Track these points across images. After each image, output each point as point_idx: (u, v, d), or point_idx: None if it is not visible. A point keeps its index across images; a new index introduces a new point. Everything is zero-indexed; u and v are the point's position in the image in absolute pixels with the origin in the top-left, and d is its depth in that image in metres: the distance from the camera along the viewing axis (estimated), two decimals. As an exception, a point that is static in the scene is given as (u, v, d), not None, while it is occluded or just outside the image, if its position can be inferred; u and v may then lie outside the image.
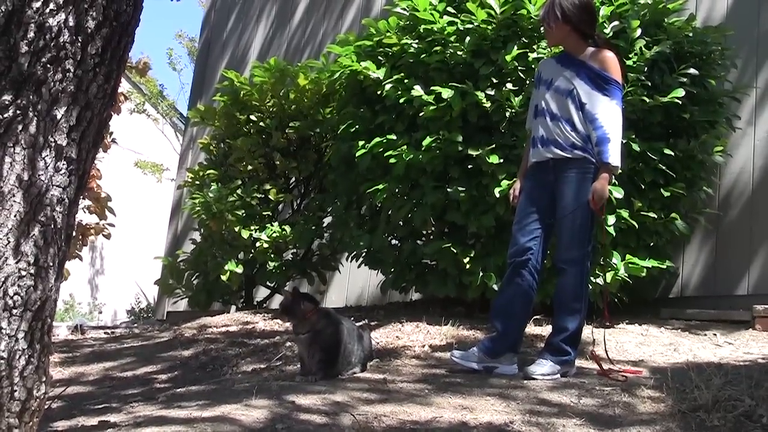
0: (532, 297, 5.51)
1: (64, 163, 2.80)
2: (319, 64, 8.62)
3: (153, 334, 8.13)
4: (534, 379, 5.19)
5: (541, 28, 5.93)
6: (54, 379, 5.83)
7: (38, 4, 2.79)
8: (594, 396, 4.79)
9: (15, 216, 2.67)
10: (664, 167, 6.79)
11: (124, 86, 14.47)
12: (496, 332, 5.51)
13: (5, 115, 2.70)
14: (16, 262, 2.67)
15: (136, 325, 11.00)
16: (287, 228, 8.36)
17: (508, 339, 5.47)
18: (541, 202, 5.47)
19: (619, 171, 5.50)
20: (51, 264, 2.77)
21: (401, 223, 7.35)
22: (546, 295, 6.28)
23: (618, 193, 6.39)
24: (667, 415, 4.38)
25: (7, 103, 2.71)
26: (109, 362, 6.73)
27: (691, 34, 7.09)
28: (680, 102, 6.74)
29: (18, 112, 2.72)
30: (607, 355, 5.54)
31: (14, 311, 2.66)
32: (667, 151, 6.76)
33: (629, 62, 6.64)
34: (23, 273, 2.68)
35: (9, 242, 2.65)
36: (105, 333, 9.02)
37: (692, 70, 6.87)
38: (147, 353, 6.97)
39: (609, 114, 5.34)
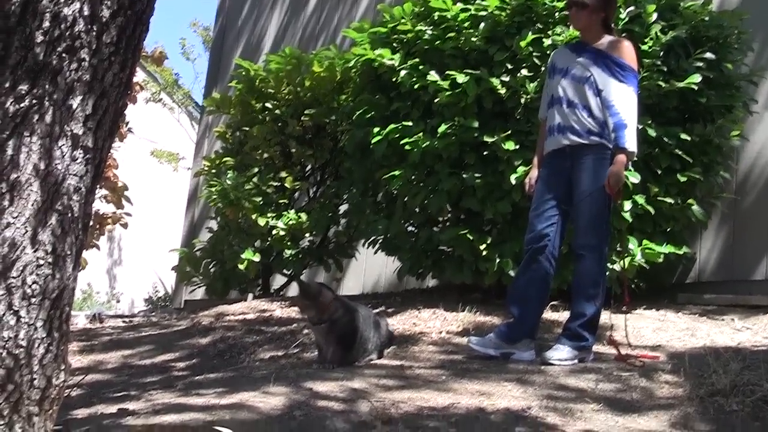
0: (549, 283, 5.51)
1: (81, 152, 2.80)
2: (332, 54, 8.61)
3: (171, 323, 8.15)
4: (551, 364, 5.19)
5: (566, 12, 5.91)
6: (73, 368, 5.85)
7: (53, -6, 2.80)
8: (612, 381, 4.79)
9: (32, 205, 2.68)
10: (680, 152, 6.76)
11: (139, 76, 14.51)
12: (513, 318, 5.51)
13: (21, 105, 2.70)
14: (34, 251, 2.67)
15: (153, 313, 11.04)
16: (303, 215, 8.36)
17: (525, 325, 5.47)
18: (558, 188, 5.46)
19: (635, 157, 5.50)
20: (68, 253, 2.78)
21: (417, 209, 7.34)
22: (563, 281, 6.26)
23: (634, 179, 6.37)
24: (684, 400, 4.38)
25: (23, 92, 2.71)
26: (128, 350, 6.75)
27: (707, 18, 7.04)
28: (696, 86, 6.70)
29: (34, 101, 2.72)
30: (627, 340, 5.53)
31: (33, 300, 2.67)
32: (684, 136, 6.73)
33: (645, 47, 6.61)
34: (41, 262, 2.69)
35: (26, 231, 2.66)
36: (123, 321, 9.05)
37: (708, 55, 6.84)
38: (165, 341, 6.99)
39: (625, 100, 5.33)
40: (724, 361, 4.75)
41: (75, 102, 2.79)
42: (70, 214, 2.77)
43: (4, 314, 2.62)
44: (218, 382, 5.02)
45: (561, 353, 5.28)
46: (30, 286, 2.66)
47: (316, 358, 5.54)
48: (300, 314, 7.11)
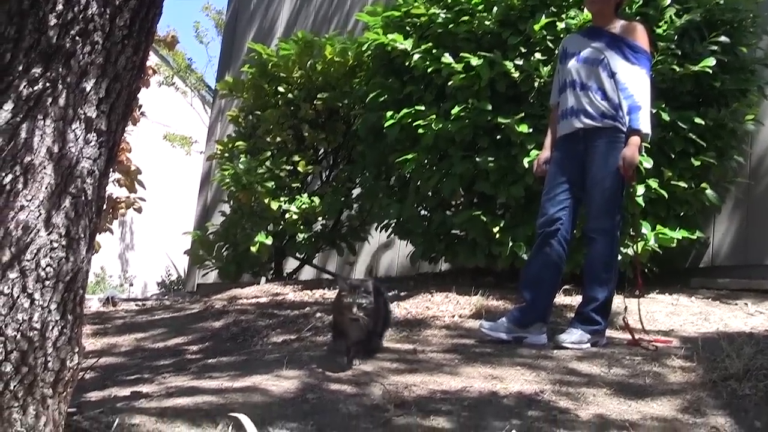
0: (561, 267, 5.51)
1: (94, 135, 2.80)
2: (344, 40, 8.60)
3: (183, 306, 8.17)
4: (564, 347, 5.19)
5: None
6: (86, 351, 5.88)
7: (66, -24, 2.79)
8: (624, 366, 4.78)
9: (46, 188, 2.68)
10: (694, 136, 6.74)
11: (152, 60, 14.49)
12: (525, 302, 5.50)
13: (35, 88, 2.71)
14: (48, 234, 2.68)
15: (166, 297, 11.06)
16: (316, 199, 8.37)
17: (537, 309, 5.47)
18: (570, 172, 5.45)
19: (649, 139, 5.48)
20: (82, 235, 2.79)
21: (430, 193, 7.34)
22: (575, 265, 6.25)
23: (647, 163, 6.36)
24: (697, 385, 4.37)
25: (36, 75, 2.71)
26: (141, 333, 6.77)
27: (721, 2, 7.00)
28: (711, 70, 6.67)
29: (47, 84, 2.72)
30: (642, 324, 5.52)
31: (46, 283, 2.68)
32: (698, 120, 6.71)
33: (659, 30, 6.59)
34: (55, 245, 2.69)
35: (40, 214, 2.67)
36: (136, 305, 9.06)
37: (723, 38, 6.81)
38: (178, 325, 7.00)
39: (638, 83, 5.32)
40: (737, 346, 4.75)
41: (88, 85, 2.79)
42: (83, 197, 2.77)
43: (18, 297, 2.62)
44: (231, 366, 5.03)
45: (573, 337, 5.28)
46: (44, 269, 2.67)
47: (330, 344, 5.24)
48: (311, 295, 7.13)
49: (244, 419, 2.98)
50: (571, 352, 5.12)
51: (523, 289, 5.54)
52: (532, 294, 5.48)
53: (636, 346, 5.21)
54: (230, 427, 3.57)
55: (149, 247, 18.91)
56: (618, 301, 5.78)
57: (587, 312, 5.36)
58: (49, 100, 2.71)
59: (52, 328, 2.71)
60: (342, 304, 4.77)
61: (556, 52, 6.45)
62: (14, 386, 2.64)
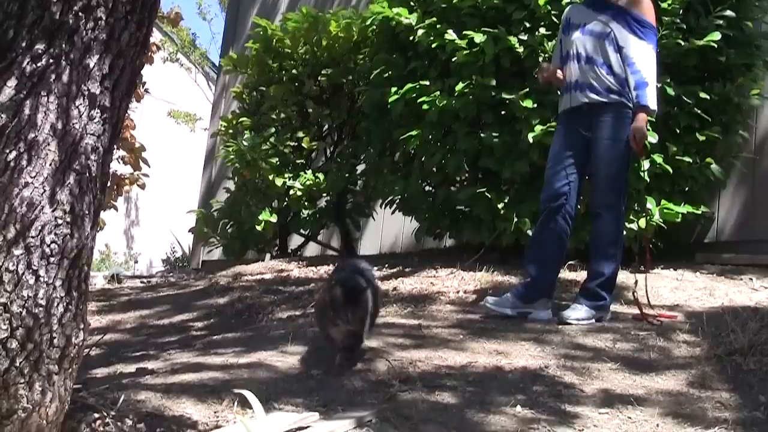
0: (566, 242, 5.51)
1: (98, 111, 2.80)
2: (348, 15, 8.57)
3: (188, 283, 8.19)
4: (569, 323, 5.19)
5: None
6: (92, 328, 5.88)
7: (69, -48, 2.78)
8: (629, 340, 4.79)
9: (50, 165, 2.68)
10: (699, 111, 6.72)
11: (156, 36, 14.48)
12: (530, 278, 5.50)
13: (38, 65, 2.70)
14: (52, 211, 2.68)
15: (171, 274, 11.09)
16: (321, 176, 8.36)
17: (542, 284, 5.47)
18: (575, 146, 5.43)
19: (655, 114, 5.47)
20: (87, 212, 2.78)
21: (435, 169, 7.33)
22: (580, 240, 6.25)
23: (653, 138, 6.34)
24: (702, 359, 4.38)
25: (39, 52, 2.71)
26: (146, 310, 6.79)
27: (727, -25, 6.98)
28: (716, 45, 6.65)
29: (51, 61, 2.71)
30: (648, 299, 5.52)
31: (51, 259, 2.68)
32: (703, 95, 6.69)
33: (664, 5, 6.56)
34: (59, 221, 2.69)
35: (45, 191, 2.66)
36: (141, 282, 9.10)
37: (728, 12, 6.78)
38: (183, 301, 7.02)
39: (645, 58, 5.31)
40: (742, 321, 4.75)
41: (92, 61, 2.78)
42: (87, 174, 2.77)
43: (23, 273, 2.62)
44: (236, 342, 5.04)
45: (578, 313, 5.27)
46: (49, 246, 2.67)
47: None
48: (316, 272, 7.14)
49: (249, 395, 2.99)
50: (576, 327, 5.13)
51: (528, 264, 5.54)
52: (537, 269, 5.48)
53: (642, 321, 5.21)
54: (235, 403, 3.58)
55: (154, 224, 18.93)
56: (623, 277, 5.78)
57: (593, 287, 5.36)
58: (53, 76, 2.70)
59: (58, 304, 2.71)
60: (331, 314, 4.10)
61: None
62: (20, 363, 2.64)
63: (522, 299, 5.44)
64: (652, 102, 5.27)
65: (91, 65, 2.77)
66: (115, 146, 3.11)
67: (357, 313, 4.07)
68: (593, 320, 5.27)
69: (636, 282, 5.50)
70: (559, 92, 5.76)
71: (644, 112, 5.27)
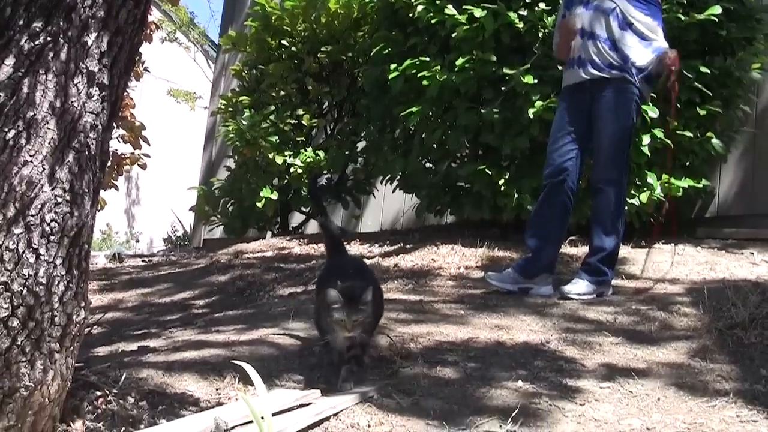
0: (568, 217, 5.50)
1: (96, 89, 2.79)
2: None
3: (189, 261, 8.20)
4: (570, 298, 5.19)
5: None
6: (93, 306, 5.89)
7: (66, -71, 2.77)
8: (630, 314, 4.79)
9: (49, 143, 2.67)
10: (700, 85, 6.71)
11: (154, 15, 14.41)
12: (532, 253, 5.50)
13: (36, 43, 2.69)
14: (52, 189, 2.67)
15: (172, 252, 11.09)
16: (321, 153, 8.36)
17: (543, 260, 5.47)
18: (577, 122, 5.41)
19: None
20: (86, 190, 2.78)
21: (435, 146, 7.33)
22: (582, 216, 6.25)
23: (653, 113, 6.33)
24: (703, 333, 4.38)
25: (37, 30, 2.70)
26: (147, 289, 6.80)
27: (728, -52, 6.95)
28: (716, 19, 6.63)
29: (48, 39, 2.70)
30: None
31: (51, 238, 2.68)
32: (704, 69, 6.67)
33: (664, -22, 6.54)
34: (59, 200, 2.69)
35: (44, 169, 2.66)
36: (142, 261, 9.10)
37: (729, -14, 6.76)
38: (184, 279, 7.03)
39: (654, 30, 5.30)
40: (743, 294, 4.75)
41: (90, 39, 2.77)
42: (87, 152, 2.76)
43: (23, 252, 2.62)
44: (238, 319, 5.05)
45: (580, 287, 5.28)
46: (49, 224, 2.67)
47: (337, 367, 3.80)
48: (317, 249, 7.14)
49: (250, 370, 2.99)
50: (577, 301, 5.13)
51: (529, 239, 5.54)
52: (538, 244, 5.48)
53: (643, 294, 5.21)
54: (236, 379, 3.58)
55: (155, 203, 18.94)
56: (624, 252, 5.79)
57: (594, 262, 5.36)
58: (51, 54, 2.69)
59: (58, 283, 2.71)
60: (332, 318, 3.60)
61: (560, 1, 6.41)
62: (21, 341, 2.65)
63: (523, 274, 5.45)
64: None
65: (89, 43, 2.77)
66: (114, 125, 3.11)
67: (364, 319, 3.58)
68: (594, 295, 5.27)
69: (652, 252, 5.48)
70: (561, 68, 5.73)
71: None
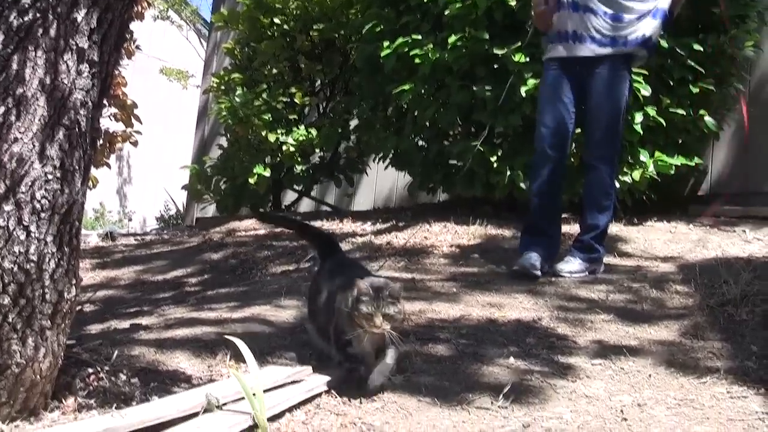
0: (562, 192, 5.47)
1: (86, 66, 2.78)
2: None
3: (182, 239, 8.18)
4: (562, 276, 5.19)
5: None
6: (86, 284, 5.90)
7: None
8: (622, 292, 4.80)
9: (39, 120, 2.66)
10: (693, 63, 6.69)
11: (146, -8, 14.37)
12: (550, 237, 5.43)
13: (25, 19, 2.67)
14: (42, 166, 2.67)
15: (165, 231, 11.07)
16: (313, 131, 8.35)
17: (559, 237, 5.46)
18: (567, 96, 5.33)
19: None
20: (77, 167, 2.77)
21: (428, 123, 7.32)
22: (574, 193, 6.24)
23: (646, 91, 6.32)
24: (695, 310, 4.39)
25: (26, 6, 2.68)
26: (140, 267, 6.80)
27: (721, -77, 6.91)
28: (709, -4, 6.62)
29: (38, 15, 2.69)
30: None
31: (42, 215, 2.67)
32: (697, 47, 6.65)
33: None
34: (49, 177, 2.68)
35: (34, 146, 2.65)
36: (135, 240, 9.08)
37: (722, -38, 6.74)
38: (177, 258, 7.03)
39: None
40: (735, 272, 4.77)
41: (79, 15, 2.76)
42: (77, 129, 2.75)
43: (14, 229, 2.62)
44: (230, 297, 5.05)
45: (573, 266, 5.27)
46: (39, 201, 2.66)
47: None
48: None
49: (242, 347, 2.99)
50: (570, 279, 5.14)
51: (540, 220, 5.43)
52: (553, 225, 5.44)
53: (636, 273, 5.22)
54: (229, 356, 3.59)
55: (147, 182, 18.93)
56: (616, 229, 5.79)
57: (587, 240, 5.34)
58: (40, 30, 2.68)
59: (49, 260, 2.71)
60: (359, 312, 3.24)
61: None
62: (13, 318, 2.65)
63: (550, 258, 5.37)
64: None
65: (79, 19, 2.75)
66: (105, 102, 3.10)
67: (395, 313, 3.24)
68: (586, 273, 5.27)
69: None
70: (545, 38, 5.62)
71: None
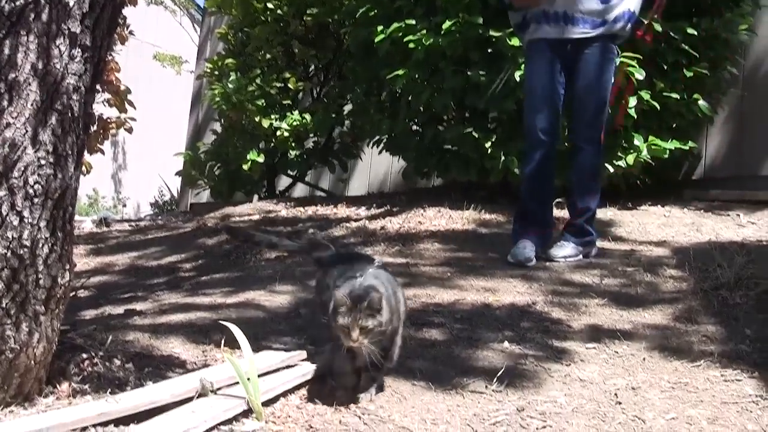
0: (554, 177, 5.45)
1: (79, 50, 2.77)
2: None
3: (177, 225, 8.19)
4: (557, 261, 5.18)
5: None
6: (80, 270, 5.90)
7: None
8: (616, 276, 4.81)
9: (32, 105, 2.65)
10: (687, 47, 6.68)
11: (139, -23, 14.33)
12: (548, 227, 5.41)
13: (17, 3, 2.66)
14: (35, 151, 2.66)
15: (160, 217, 11.07)
16: (307, 116, 8.34)
17: (548, 221, 5.44)
18: (555, 78, 5.27)
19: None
20: (70, 152, 2.77)
21: (422, 108, 7.30)
22: (564, 178, 6.22)
23: (639, 75, 6.31)
24: (689, 294, 4.40)
25: (18, -10, 2.68)
26: (134, 253, 6.79)
27: None
28: (703, -21, 6.61)
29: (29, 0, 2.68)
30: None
31: (35, 200, 2.67)
32: (691, 31, 6.64)
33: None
34: (42, 162, 2.67)
35: (27, 131, 2.64)
36: (129, 225, 9.08)
37: (717, -55, 6.73)
38: (171, 243, 7.02)
39: None
40: (729, 256, 4.77)
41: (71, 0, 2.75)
42: (70, 114, 2.75)
43: (7, 215, 2.61)
44: (224, 282, 5.05)
45: (567, 250, 5.26)
46: (32, 186, 2.65)
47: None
48: (303, 212, 7.13)
49: (237, 332, 2.99)
50: (564, 263, 5.14)
51: (540, 206, 5.40)
52: (547, 210, 5.42)
53: (630, 257, 5.22)
54: (223, 341, 3.59)
55: (142, 168, 18.90)
56: (610, 214, 5.79)
57: (581, 224, 5.32)
58: (32, 15, 2.67)
59: (42, 245, 2.70)
60: (336, 324, 2.96)
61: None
62: (6, 304, 2.65)
63: (544, 244, 5.36)
64: None
65: (71, 3, 2.74)
66: (99, 88, 3.09)
67: (373, 327, 2.92)
68: (581, 256, 5.27)
69: None
70: (518, 15, 5.52)
71: None
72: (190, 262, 6.26)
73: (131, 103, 8.74)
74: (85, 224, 9.30)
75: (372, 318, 2.92)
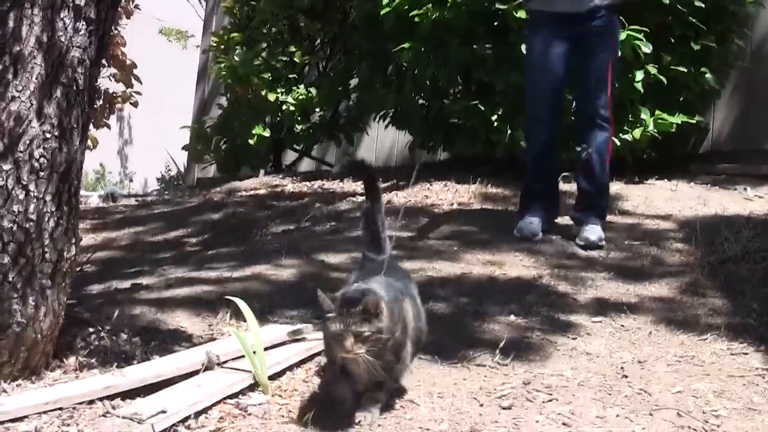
0: (559, 153, 5.41)
1: (83, 23, 2.76)
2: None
3: (183, 200, 8.18)
4: (600, 246, 4.91)
5: None
6: (86, 245, 5.89)
7: None
8: (622, 250, 4.81)
9: (36, 78, 2.65)
10: (694, 20, 6.64)
11: (144, -49, 14.28)
12: (544, 198, 5.36)
13: (22, -24, 2.66)
14: (40, 125, 2.66)
15: (166, 192, 11.08)
16: (313, 90, 8.31)
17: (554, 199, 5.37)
18: (561, 55, 5.19)
19: None
20: (75, 126, 2.77)
21: (428, 82, 7.27)
22: (570, 152, 6.17)
23: (647, 48, 6.27)
24: (695, 268, 4.40)
25: (22, -37, 2.67)
26: (140, 227, 6.79)
27: None
28: (711, -49, 6.56)
29: (34, -28, 2.68)
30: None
31: (41, 174, 2.67)
32: (698, 3, 6.59)
33: None
34: (48, 135, 2.67)
35: (32, 105, 2.64)
36: (136, 200, 9.08)
37: None
38: (177, 218, 7.02)
39: None
40: (735, 229, 4.77)
41: (76, -28, 2.74)
42: (75, 87, 2.74)
43: (13, 188, 2.62)
44: (231, 257, 5.05)
45: (599, 231, 4.99)
46: (38, 160, 2.66)
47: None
48: (310, 186, 7.13)
49: (241, 304, 3.00)
50: (568, 237, 5.08)
51: (545, 181, 5.34)
52: (554, 187, 5.37)
53: (635, 230, 5.20)
54: (229, 315, 3.59)
55: (148, 143, 18.87)
56: (617, 188, 5.77)
57: (603, 204, 5.18)
58: (37, -12, 2.67)
59: (48, 219, 2.71)
60: (327, 332, 2.69)
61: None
62: (13, 277, 2.65)
63: (550, 220, 5.30)
64: None
65: (76, -24, 2.73)
66: (104, 62, 3.08)
67: (369, 334, 2.58)
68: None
69: None
70: None
71: None
72: (196, 237, 6.26)
73: (137, 78, 8.73)
74: (91, 199, 9.31)
75: (368, 323, 2.58)
